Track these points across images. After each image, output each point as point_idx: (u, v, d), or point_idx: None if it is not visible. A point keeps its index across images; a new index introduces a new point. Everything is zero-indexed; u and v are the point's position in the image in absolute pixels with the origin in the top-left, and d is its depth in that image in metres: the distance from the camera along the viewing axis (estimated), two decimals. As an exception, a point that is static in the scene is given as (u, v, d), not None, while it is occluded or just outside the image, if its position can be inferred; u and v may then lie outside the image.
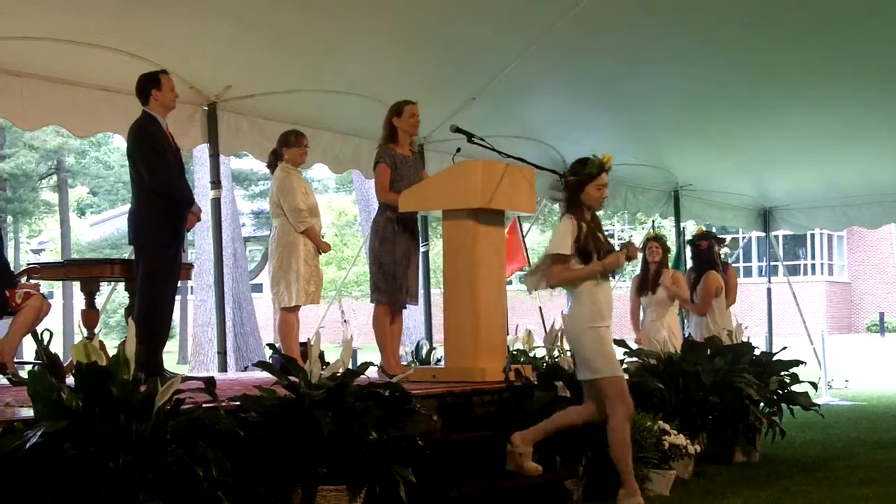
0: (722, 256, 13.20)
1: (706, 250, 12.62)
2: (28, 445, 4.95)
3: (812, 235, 48.42)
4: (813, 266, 49.91)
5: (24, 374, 9.55)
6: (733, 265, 15.17)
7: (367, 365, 6.86)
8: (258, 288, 40.73)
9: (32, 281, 10.14)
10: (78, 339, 8.48)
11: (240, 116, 11.88)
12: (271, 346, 9.26)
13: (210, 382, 5.80)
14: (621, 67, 12.20)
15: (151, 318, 8.88)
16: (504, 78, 12.04)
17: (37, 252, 51.20)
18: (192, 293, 30.72)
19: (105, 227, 49.20)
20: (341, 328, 39.84)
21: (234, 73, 11.17)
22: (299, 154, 10.57)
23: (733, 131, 14.91)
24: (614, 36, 11.33)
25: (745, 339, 11.24)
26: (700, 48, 11.77)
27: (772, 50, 11.85)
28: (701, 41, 11.59)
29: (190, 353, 27.59)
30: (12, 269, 10.05)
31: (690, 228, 16.42)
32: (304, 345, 8.03)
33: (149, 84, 9.07)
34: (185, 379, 5.62)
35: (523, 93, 12.69)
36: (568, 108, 13.58)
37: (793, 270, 42.93)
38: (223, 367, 12.17)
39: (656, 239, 12.54)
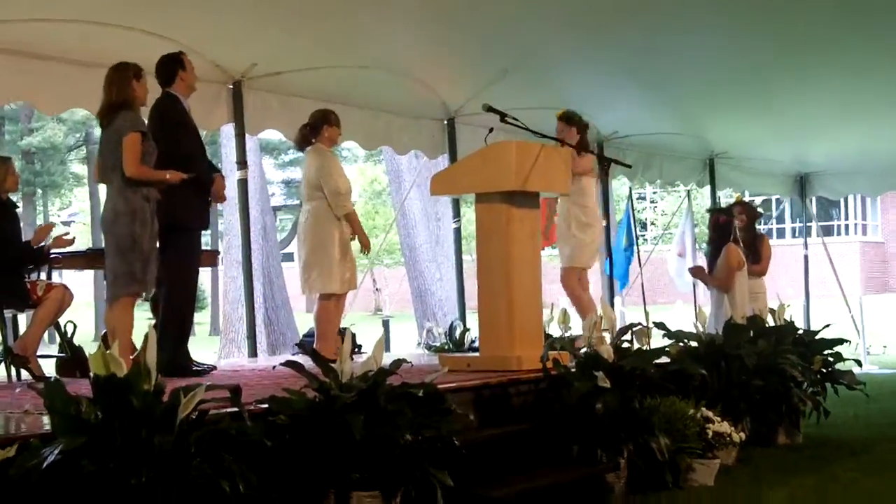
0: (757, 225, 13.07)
1: (725, 224, 12.32)
2: (45, 465, 4.74)
3: (846, 196, 47.95)
4: (846, 227, 49.44)
5: (46, 366, 9.43)
6: (767, 226, 15.02)
7: (399, 362, 6.60)
8: (289, 257, 40.58)
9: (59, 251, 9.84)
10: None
11: (267, 94, 11.70)
12: (307, 336, 9.07)
13: (236, 391, 5.55)
14: (655, 39, 11.94)
15: (174, 303, 8.90)
16: (535, 52, 11.79)
17: (67, 223, 51.37)
18: (222, 264, 30.54)
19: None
20: (373, 296, 39.73)
21: (259, 50, 10.98)
22: (338, 133, 10.31)
23: (768, 98, 14.68)
24: (647, 7, 11.07)
25: (787, 319, 10.96)
26: (735, 18, 11.50)
27: (808, 18, 11.59)
28: (736, 11, 11.33)
29: (221, 325, 27.39)
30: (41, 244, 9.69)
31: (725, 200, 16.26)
32: (343, 331, 7.80)
33: (174, 65, 9.04)
34: (210, 388, 5.35)
35: (555, 66, 12.47)
36: (601, 80, 13.33)
37: (826, 231, 42.45)
38: (253, 352, 11.93)
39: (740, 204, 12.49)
